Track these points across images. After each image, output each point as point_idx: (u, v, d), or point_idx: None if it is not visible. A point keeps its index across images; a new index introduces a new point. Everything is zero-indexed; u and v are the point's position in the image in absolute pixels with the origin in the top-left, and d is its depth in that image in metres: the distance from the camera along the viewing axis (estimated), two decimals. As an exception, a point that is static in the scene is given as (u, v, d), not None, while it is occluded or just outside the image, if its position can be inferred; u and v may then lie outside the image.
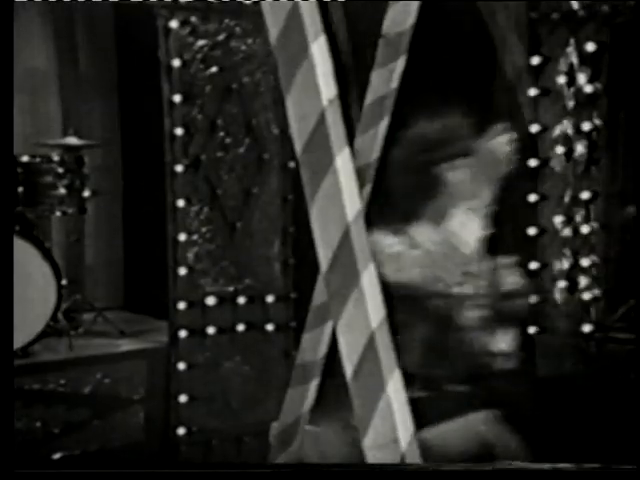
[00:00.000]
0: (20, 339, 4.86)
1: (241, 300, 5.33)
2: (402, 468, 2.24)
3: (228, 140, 5.30)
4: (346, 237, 2.24)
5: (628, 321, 4.93)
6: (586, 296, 5.01)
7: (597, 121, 5.01)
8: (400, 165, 3.23)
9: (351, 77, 5.04)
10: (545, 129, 5.05)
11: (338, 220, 2.25)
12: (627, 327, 4.91)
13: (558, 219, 5.02)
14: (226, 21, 5.30)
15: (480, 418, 3.12)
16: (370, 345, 2.25)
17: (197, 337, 5.21)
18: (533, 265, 5.06)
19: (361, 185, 3.62)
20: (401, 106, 3.96)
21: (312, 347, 4.24)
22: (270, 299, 5.40)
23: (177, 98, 5.17)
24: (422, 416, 2.38)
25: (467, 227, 3.14)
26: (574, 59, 5.00)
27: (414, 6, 3.75)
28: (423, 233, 3.20)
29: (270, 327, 5.40)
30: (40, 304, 4.98)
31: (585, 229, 5.02)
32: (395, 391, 2.28)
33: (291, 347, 5.25)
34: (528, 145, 5.09)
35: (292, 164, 5.29)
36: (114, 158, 6.58)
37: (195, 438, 5.15)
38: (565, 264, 5.04)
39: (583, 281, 5.02)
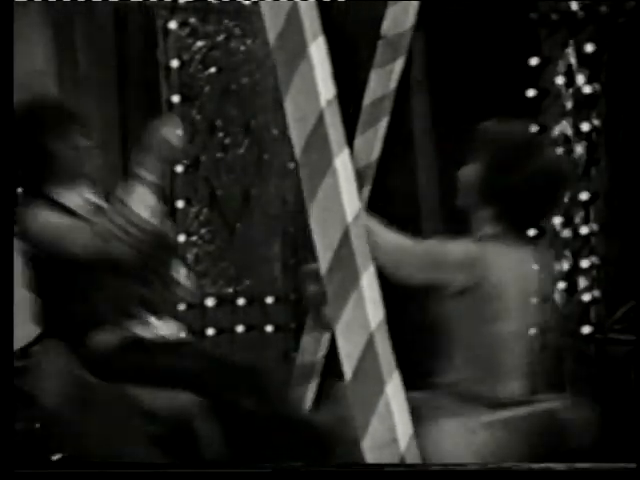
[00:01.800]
0: (20, 339, 4.86)
1: (240, 301, 5.32)
2: (402, 468, 2.24)
3: (227, 141, 5.29)
4: (346, 238, 2.24)
5: (628, 322, 4.92)
6: (586, 297, 5.00)
7: (596, 121, 5.01)
8: None
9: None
10: (544, 129, 5.04)
11: (338, 221, 2.25)
12: (627, 328, 4.91)
13: (557, 220, 5.02)
14: (225, 22, 5.29)
15: None
16: (369, 346, 2.25)
17: (196, 338, 5.20)
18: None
19: (360, 186, 3.62)
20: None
21: (311, 348, 4.24)
22: (270, 300, 5.39)
23: (176, 99, 5.16)
24: None
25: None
26: (573, 60, 5.00)
27: (413, 7, 3.75)
28: None
29: (269, 328, 5.39)
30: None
31: (585, 230, 5.02)
32: (394, 392, 2.27)
33: (291, 348, 5.25)
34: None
35: (291, 165, 5.28)
36: (114, 158, 6.57)
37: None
38: (565, 265, 5.03)
39: (583, 282, 5.02)
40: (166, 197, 5.03)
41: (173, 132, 3.43)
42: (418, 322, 3.01)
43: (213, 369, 3.51)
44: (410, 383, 2.84)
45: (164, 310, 3.72)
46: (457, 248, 2.96)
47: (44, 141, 3.66)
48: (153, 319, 3.66)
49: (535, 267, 3.16)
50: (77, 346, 3.59)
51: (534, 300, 3.10)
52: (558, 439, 2.97)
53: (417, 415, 2.65)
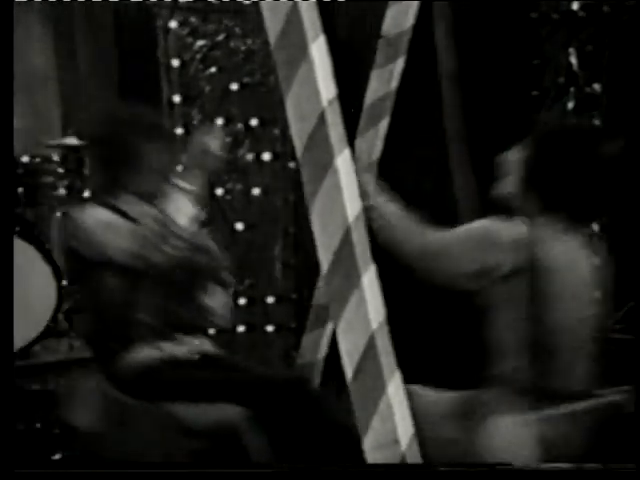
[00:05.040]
0: (20, 340, 4.86)
1: (241, 301, 5.32)
2: (402, 468, 2.24)
3: (228, 140, 5.30)
4: (347, 238, 2.24)
5: (628, 322, 4.92)
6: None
7: (597, 122, 5.00)
8: None
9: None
10: (545, 129, 5.04)
11: (339, 221, 2.24)
12: (627, 328, 4.90)
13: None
14: (225, 21, 5.30)
15: None
16: (370, 346, 2.25)
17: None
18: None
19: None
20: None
21: (312, 348, 4.24)
22: (270, 300, 5.40)
23: (177, 98, 5.17)
24: None
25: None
26: (574, 59, 4.99)
27: (414, 7, 3.75)
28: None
29: (270, 328, 5.39)
30: (40, 305, 4.97)
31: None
32: (395, 392, 2.27)
33: (291, 348, 5.25)
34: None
35: (292, 164, 5.28)
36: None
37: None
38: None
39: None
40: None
41: (215, 142, 3.37)
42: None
43: (252, 380, 3.41)
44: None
45: (197, 329, 3.58)
46: (508, 228, 2.81)
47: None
48: (186, 337, 3.52)
49: (587, 254, 2.98)
50: (109, 365, 3.43)
51: (588, 288, 2.92)
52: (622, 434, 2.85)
53: (473, 412, 2.71)
